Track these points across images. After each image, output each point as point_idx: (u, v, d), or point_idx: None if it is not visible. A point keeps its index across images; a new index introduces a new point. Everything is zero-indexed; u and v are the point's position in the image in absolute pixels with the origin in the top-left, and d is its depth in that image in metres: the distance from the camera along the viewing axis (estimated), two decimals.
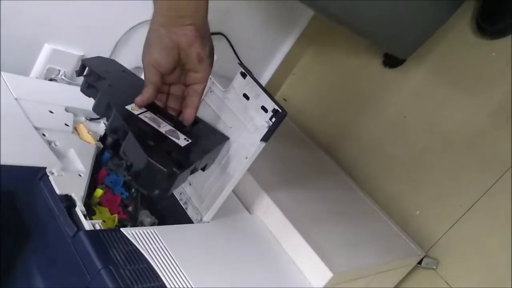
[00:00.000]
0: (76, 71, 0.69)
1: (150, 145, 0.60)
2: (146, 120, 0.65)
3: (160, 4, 0.60)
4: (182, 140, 0.65)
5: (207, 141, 0.71)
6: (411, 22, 1.13)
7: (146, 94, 0.65)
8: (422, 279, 1.15)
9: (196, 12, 0.61)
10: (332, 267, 0.77)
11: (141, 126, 0.63)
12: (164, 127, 0.66)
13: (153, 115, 0.66)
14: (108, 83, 0.68)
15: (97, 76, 0.68)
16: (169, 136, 0.64)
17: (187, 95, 0.68)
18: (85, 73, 0.69)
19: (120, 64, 0.76)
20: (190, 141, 0.66)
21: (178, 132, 0.66)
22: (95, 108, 0.67)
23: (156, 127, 0.65)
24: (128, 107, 0.65)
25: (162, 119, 0.66)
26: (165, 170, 0.57)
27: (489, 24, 1.14)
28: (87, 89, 0.69)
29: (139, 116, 0.65)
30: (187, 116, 0.68)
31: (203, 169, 0.73)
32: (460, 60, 1.20)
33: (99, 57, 0.77)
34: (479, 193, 1.13)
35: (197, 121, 0.71)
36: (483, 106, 1.16)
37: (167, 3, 0.60)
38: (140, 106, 0.65)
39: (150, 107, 0.67)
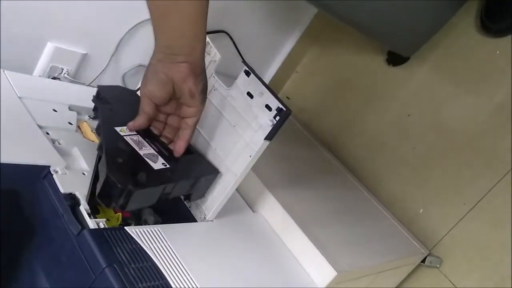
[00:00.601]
0: (93, 96, 0.75)
1: (117, 162, 0.63)
2: (130, 141, 0.68)
3: (160, 41, 0.65)
4: (158, 164, 0.67)
5: (189, 170, 0.73)
6: (415, 20, 1.13)
7: (138, 121, 0.70)
8: (425, 278, 1.15)
9: (191, 51, 0.65)
10: (336, 265, 0.77)
11: (119, 145, 0.67)
12: (145, 150, 0.68)
13: (141, 139, 0.69)
14: (110, 107, 0.73)
15: (105, 101, 0.74)
16: (146, 159, 0.67)
17: (181, 127, 0.71)
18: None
19: (138, 96, 0.79)
20: (168, 166, 0.68)
21: (159, 157, 0.69)
22: (97, 129, 0.72)
23: (136, 148, 0.67)
24: (118, 129, 0.69)
25: (149, 144, 0.70)
26: (119, 185, 0.59)
27: (493, 22, 1.14)
28: (94, 111, 0.76)
29: (124, 137, 0.68)
30: (177, 148, 0.71)
31: (188, 198, 0.75)
32: (464, 59, 1.20)
33: (119, 86, 0.84)
34: (483, 192, 1.13)
35: (191, 151, 0.74)
36: (486, 105, 1.16)
37: (166, 41, 0.64)
38: (131, 130, 0.69)
39: (146, 133, 0.71)
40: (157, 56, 0.66)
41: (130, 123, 0.70)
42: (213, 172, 0.74)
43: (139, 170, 0.64)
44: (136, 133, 0.70)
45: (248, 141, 0.73)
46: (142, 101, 0.69)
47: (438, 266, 1.14)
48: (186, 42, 0.64)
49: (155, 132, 0.72)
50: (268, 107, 0.70)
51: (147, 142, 0.70)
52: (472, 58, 1.19)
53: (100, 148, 0.66)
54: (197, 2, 0.63)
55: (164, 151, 0.70)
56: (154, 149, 0.69)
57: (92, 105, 0.76)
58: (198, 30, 0.65)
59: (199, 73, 0.67)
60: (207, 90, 0.70)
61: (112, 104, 0.74)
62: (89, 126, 0.79)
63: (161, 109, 0.71)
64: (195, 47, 0.65)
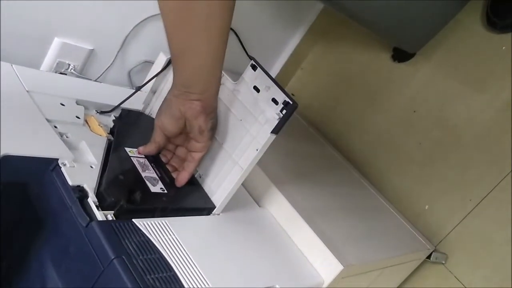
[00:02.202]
0: (115, 117, 0.83)
1: (116, 177, 0.66)
2: (135, 162, 0.72)
3: (176, 78, 0.69)
4: (156, 188, 0.70)
5: (185, 200, 0.74)
6: (420, 15, 1.13)
7: (148, 148, 0.75)
8: (431, 274, 1.15)
9: (204, 91, 0.69)
10: (342, 260, 0.77)
11: (124, 164, 0.71)
12: (148, 173, 0.72)
13: (147, 162, 0.74)
14: (127, 129, 0.79)
15: (124, 122, 0.80)
16: (146, 180, 0.70)
17: (186, 159, 0.76)
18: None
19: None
20: (165, 191, 0.71)
21: (159, 181, 0.72)
22: (109, 145, 0.77)
23: (139, 170, 0.71)
24: (128, 149, 0.73)
25: (154, 168, 0.73)
26: (112, 199, 0.62)
27: (499, 18, 1.14)
28: (112, 130, 0.80)
29: (131, 157, 0.73)
30: (180, 178, 0.75)
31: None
32: (470, 55, 1.20)
33: (141, 112, 0.88)
34: (488, 188, 1.12)
35: (194, 183, 0.77)
36: (492, 101, 1.15)
37: (182, 79, 0.68)
38: (140, 154, 0.74)
39: (154, 159, 0.75)
40: (173, 92, 0.69)
41: (141, 148, 0.75)
42: (208, 206, 0.75)
43: (136, 189, 0.67)
44: (144, 156, 0.74)
45: (255, 135, 0.73)
46: (155, 130, 0.73)
47: (443, 262, 1.14)
48: (201, 82, 0.68)
49: (163, 159, 0.77)
50: (274, 100, 0.71)
51: (152, 166, 0.74)
52: (478, 54, 1.18)
53: (105, 161, 0.69)
54: (215, 45, 0.65)
55: (167, 178, 0.74)
56: (157, 174, 0.73)
57: (100, 101, 0.79)
58: (214, 72, 0.68)
59: (210, 112, 0.71)
60: (216, 128, 0.75)
61: (130, 127, 0.79)
62: (96, 121, 0.79)
63: (171, 140, 0.76)
64: (209, 87, 0.69)
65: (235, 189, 0.75)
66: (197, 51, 0.65)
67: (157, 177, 0.73)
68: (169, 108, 0.71)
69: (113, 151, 0.72)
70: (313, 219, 0.83)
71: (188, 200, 0.75)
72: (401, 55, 1.29)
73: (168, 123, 0.71)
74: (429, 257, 1.09)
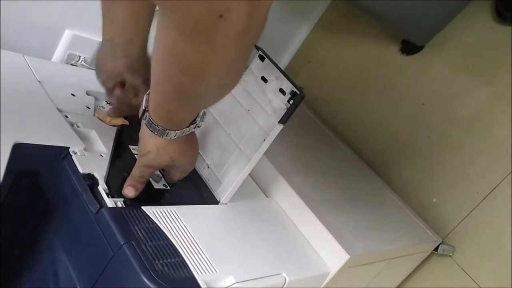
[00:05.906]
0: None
1: (120, 174, 0.67)
2: None
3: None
4: (159, 185, 0.71)
5: (187, 196, 0.75)
6: (429, 7, 1.13)
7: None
8: (438, 266, 1.15)
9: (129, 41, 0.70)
10: (349, 249, 0.77)
11: (128, 161, 0.71)
12: None
13: None
14: (131, 128, 0.79)
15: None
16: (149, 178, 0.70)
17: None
18: None
19: None
20: (168, 187, 0.72)
21: (162, 178, 0.73)
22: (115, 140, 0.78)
23: None
24: (131, 147, 0.75)
25: None
26: (116, 196, 0.63)
27: (509, 10, 1.13)
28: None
29: (135, 155, 0.73)
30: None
31: None
32: (479, 47, 1.19)
33: None
34: (496, 181, 1.12)
35: (192, 178, 0.77)
36: (501, 93, 1.15)
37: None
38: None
39: None
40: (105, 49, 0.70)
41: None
42: (212, 203, 0.76)
43: None
44: None
45: (262, 125, 0.73)
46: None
47: (451, 254, 1.14)
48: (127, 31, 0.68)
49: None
50: (282, 91, 0.71)
51: None
52: (486, 46, 1.18)
53: (110, 160, 0.70)
54: None
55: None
56: (159, 171, 0.73)
57: None
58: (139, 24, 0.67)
59: (138, 68, 0.72)
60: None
61: (134, 127, 0.79)
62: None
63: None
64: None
65: (242, 179, 0.75)
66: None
67: (160, 174, 0.73)
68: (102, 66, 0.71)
69: (116, 149, 0.72)
70: (320, 210, 0.84)
71: (190, 196, 0.75)
72: (409, 48, 1.29)
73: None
74: (436, 249, 1.09)
